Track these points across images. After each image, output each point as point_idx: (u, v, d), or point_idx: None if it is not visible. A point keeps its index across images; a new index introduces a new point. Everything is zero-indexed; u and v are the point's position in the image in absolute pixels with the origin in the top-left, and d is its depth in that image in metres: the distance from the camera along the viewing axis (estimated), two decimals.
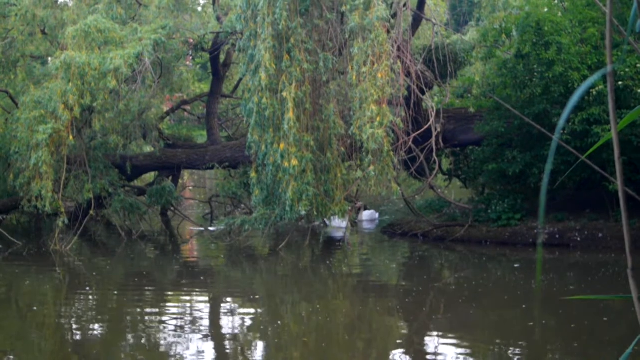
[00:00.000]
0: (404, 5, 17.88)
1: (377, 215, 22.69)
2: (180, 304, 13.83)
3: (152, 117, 20.86)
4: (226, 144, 22.34)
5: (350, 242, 19.90)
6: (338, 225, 20.00)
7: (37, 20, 20.09)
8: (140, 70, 17.85)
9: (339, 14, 16.23)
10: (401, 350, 10.73)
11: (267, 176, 16.10)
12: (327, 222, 20.02)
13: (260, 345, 11.16)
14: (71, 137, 17.39)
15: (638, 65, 15.74)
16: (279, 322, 12.20)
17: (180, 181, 24.31)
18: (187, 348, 10.56)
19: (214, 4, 22.44)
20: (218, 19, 22.25)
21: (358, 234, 21.38)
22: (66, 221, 17.54)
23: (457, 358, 10.06)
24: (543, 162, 16.92)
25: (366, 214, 22.30)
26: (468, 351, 10.45)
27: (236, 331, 11.86)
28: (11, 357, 10.48)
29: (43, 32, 21.09)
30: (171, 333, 11.42)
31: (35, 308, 13.52)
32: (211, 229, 21.02)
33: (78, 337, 11.38)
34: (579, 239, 16.85)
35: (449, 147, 19.89)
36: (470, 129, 19.05)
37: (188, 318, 12.50)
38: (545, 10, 18.22)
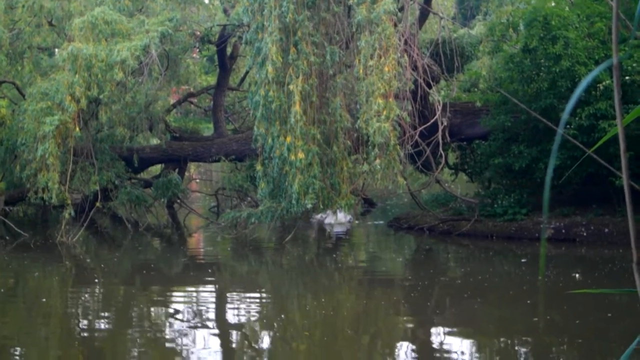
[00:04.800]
0: None
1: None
2: (186, 296, 13.86)
3: (158, 110, 20.88)
4: (232, 137, 22.34)
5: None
6: (335, 220, 19.96)
7: (44, 12, 20.08)
8: (147, 62, 17.85)
9: (346, 7, 16.20)
10: (406, 344, 10.73)
11: (273, 169, 16.10)
12: (331, 218, 19.89)
13: (265, 338, 11.19)
14: (78, 129, 17.42)
15: None
16: (283, 316, 12.21)
17: (186, 174, 24.34)
18: (193, 340, 10.59)
19: None
20: (225, 11, 22.27)
21: (360, 227, 21.37)
22: (72, 213, 17.60)
23: (462, 352, 10.07)
24: (549, 156, 16.87)
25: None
26: (473, 346, 10.45)
27: (242, 324, 11.87)
28: (18, 348, 10.53)
29: (50, 24, 21.10)
30: (177, 325, 11.46)
31: (43, 300, 13.57)
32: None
33: (85, 329, 11.41)
34: (585, 234, 16.81)
35: (455, 141, 19.85)
36: (476, 123, 19.02)
37: (194, 310, 12.53)
38: (553, 4, 18.14)
